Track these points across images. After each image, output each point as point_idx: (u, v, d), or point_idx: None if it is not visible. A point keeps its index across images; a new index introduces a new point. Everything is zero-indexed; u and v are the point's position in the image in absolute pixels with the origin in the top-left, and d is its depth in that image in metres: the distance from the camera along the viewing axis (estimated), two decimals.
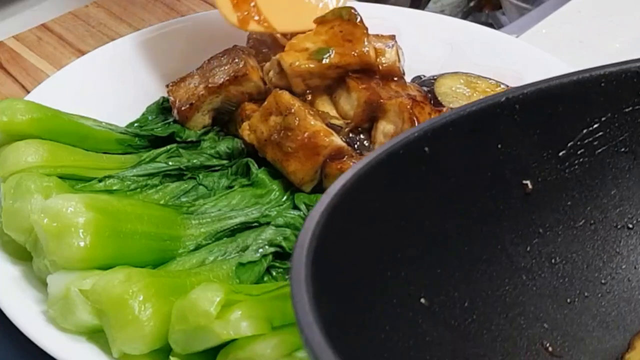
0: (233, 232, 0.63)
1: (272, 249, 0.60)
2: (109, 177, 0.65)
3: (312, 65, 0.69)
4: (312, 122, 0.65)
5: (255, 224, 0.63)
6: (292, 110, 0.66)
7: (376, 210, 0.42)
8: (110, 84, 0.79)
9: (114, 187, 0.65)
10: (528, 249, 0.48)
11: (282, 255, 0.61)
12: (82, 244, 0.55)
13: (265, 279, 0.60)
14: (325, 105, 0.70)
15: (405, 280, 0.43)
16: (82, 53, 0.87)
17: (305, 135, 0.65)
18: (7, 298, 0.57)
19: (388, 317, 0.41)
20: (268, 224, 0.63)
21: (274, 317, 0.53)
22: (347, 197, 0.40)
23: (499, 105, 0.47)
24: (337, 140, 0.66)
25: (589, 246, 0.49)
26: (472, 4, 1.28)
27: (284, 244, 0.61)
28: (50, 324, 0.56)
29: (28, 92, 0.79)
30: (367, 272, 0.41)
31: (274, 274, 0.61)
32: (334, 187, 0.40)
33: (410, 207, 0.44)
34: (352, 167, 0.42)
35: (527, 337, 0.46)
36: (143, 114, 0.76)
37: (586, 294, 0.49)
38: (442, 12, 1.25)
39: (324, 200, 0.39)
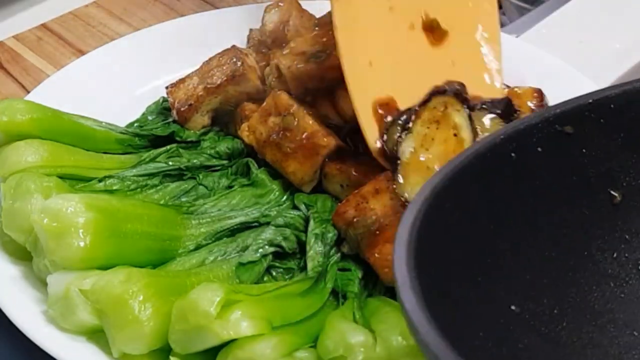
0: (233, 232, 0.63)
1: (272, 249, 0.60)
2: (109, 177, 0.65)
3: (309, 68, 0.69)
4: (311, 122, 0.65)
5: (255, 224, 0.63)
6: (291, 111, 0.66)
7: (462, 216, 0.42)
8: (110, 84, 0.79)
9: (114, 187, 0.65)
10: (615, 255, 0.48)
11: (282, 255, 0.61)
12: (82, 244, 0.55)
13: (265, 279, 0.60)
14: (325, 108, 0.70)
15: (494, 286, 0.43)
16: (82, 53, 0.87)
17: (304, 135, 0.65)
18: (7, 298, 0.57)
19: (481, 323, 0.41)
20: (268, 224, 0.63)
21: (274, 317, 0.53)
22: (434, 203, 0.40)
23: (583, 108, 0.46)
24: (336, 140, 0.66)
25: None
26: None
27: (284, 244, 0.61)
28: (50, 324, 0.56)
29: (28, 92, 0.79)
30: (458, 278, 0.41)
31: (274, 274, 0.61)
32: (421, 194, 0.40)
33: (495, 214, 0.44)
34: (438, 171, 0.42)
35: (617, 345, 0.46)
36: (143, 114, 0.76)
37: None
38: None
39: (414, 206, 0.39)
